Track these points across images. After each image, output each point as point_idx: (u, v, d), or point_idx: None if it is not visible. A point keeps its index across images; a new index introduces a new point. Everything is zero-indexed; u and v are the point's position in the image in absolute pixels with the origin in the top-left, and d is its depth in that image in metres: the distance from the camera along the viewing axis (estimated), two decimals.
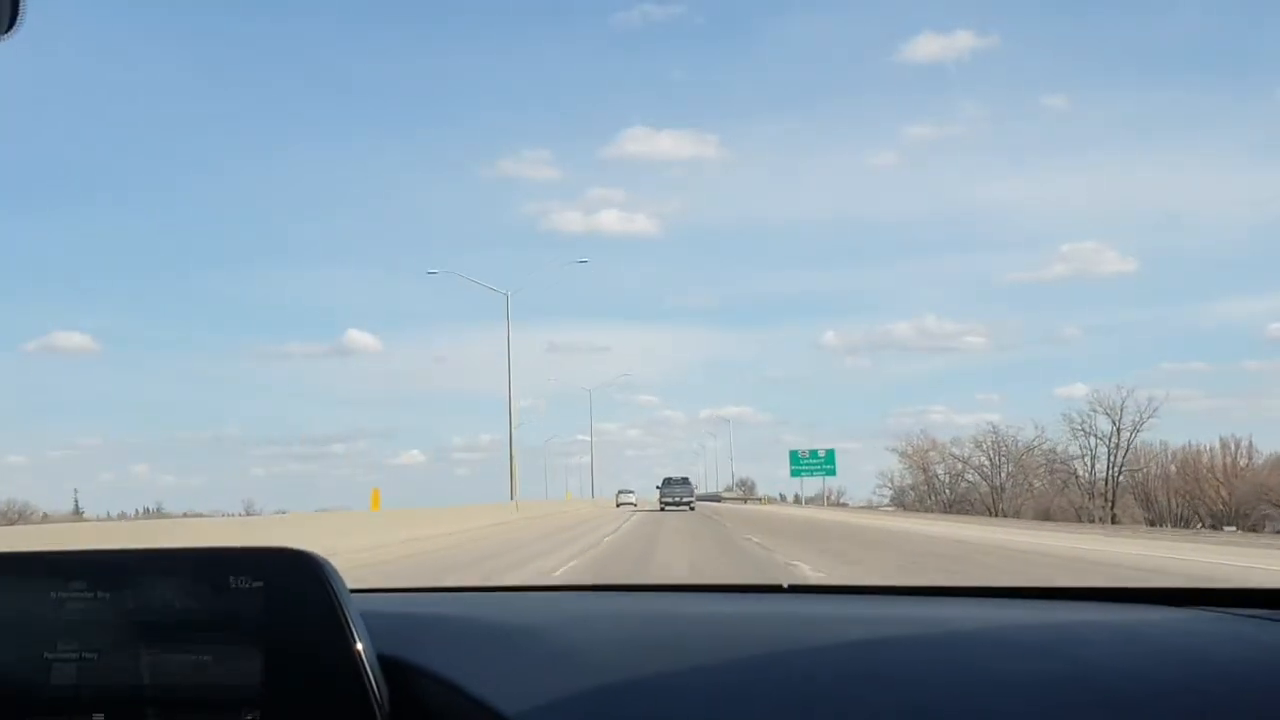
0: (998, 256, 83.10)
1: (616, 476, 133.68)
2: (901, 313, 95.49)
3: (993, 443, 59.75)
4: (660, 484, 48.68)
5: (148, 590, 0.82)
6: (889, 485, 69.05)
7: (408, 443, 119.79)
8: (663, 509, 44.77)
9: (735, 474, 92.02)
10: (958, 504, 58.59)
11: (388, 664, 0.79)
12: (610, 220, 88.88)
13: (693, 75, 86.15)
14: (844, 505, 64.88)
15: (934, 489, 63.47)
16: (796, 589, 1.18)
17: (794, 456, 61.92)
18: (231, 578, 0.80)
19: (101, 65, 76.52)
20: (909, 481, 65.83)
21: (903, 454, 66.06)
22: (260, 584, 0.80)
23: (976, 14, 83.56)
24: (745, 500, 76.22)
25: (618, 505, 57.73)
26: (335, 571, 0.80)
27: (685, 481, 48.42)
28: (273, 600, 0.79)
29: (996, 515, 48.98)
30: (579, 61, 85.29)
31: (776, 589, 1.18)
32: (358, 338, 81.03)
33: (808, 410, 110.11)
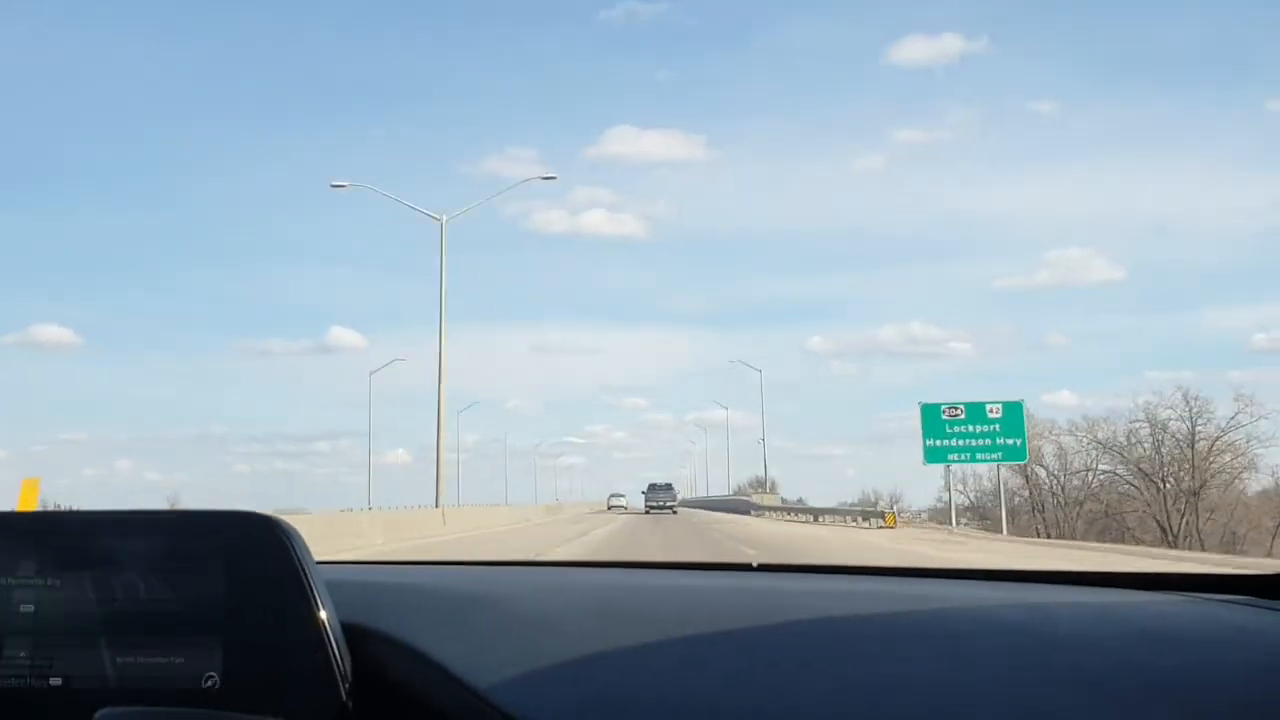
0: (985, 262, 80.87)
1: (605, 479, 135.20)
2: (888, 318, 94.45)
3: (1162, 426, 38.87)
4: (645, 489, 54.21)
5: (108, 551, 0.81)
6: (960, 489, 46.88)
7: (393, 442, 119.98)
8: (647, 512, 49.68)
9: (732, 477, 75.28)
10: (1102, 522, 37.73)
11: (351, 631, 0.79)
12: (596, 221, 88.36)
13: (679, 75, 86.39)
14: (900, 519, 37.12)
15: (1053, 497, 42.43)
16: (766, 567, 1.19)
17: (932, 418, 26.97)
18: (194, 541, 0.80)
19: (86, 56, 75.95)
20: (984, 487, 46.03)
21: None
22: (222, 547, 0.79)
23: (965, 17, 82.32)
24: (755, 507, 49.99)
25: (609, 508, 62.19)
26: (299, 536, 0.79)
27: (669, 487, 53.98)
28: (235, 564, 0.79)
29: (1178, 543, 34.79)
30: (564, 59, 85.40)
31: (745, 567, 1.20)
32: (341, 335, 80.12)
33: (794, 415, 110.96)
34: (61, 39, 75.01)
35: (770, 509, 47.65)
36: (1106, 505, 39.66)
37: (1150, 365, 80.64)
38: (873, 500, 54.89)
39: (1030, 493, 43.70)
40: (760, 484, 56.20)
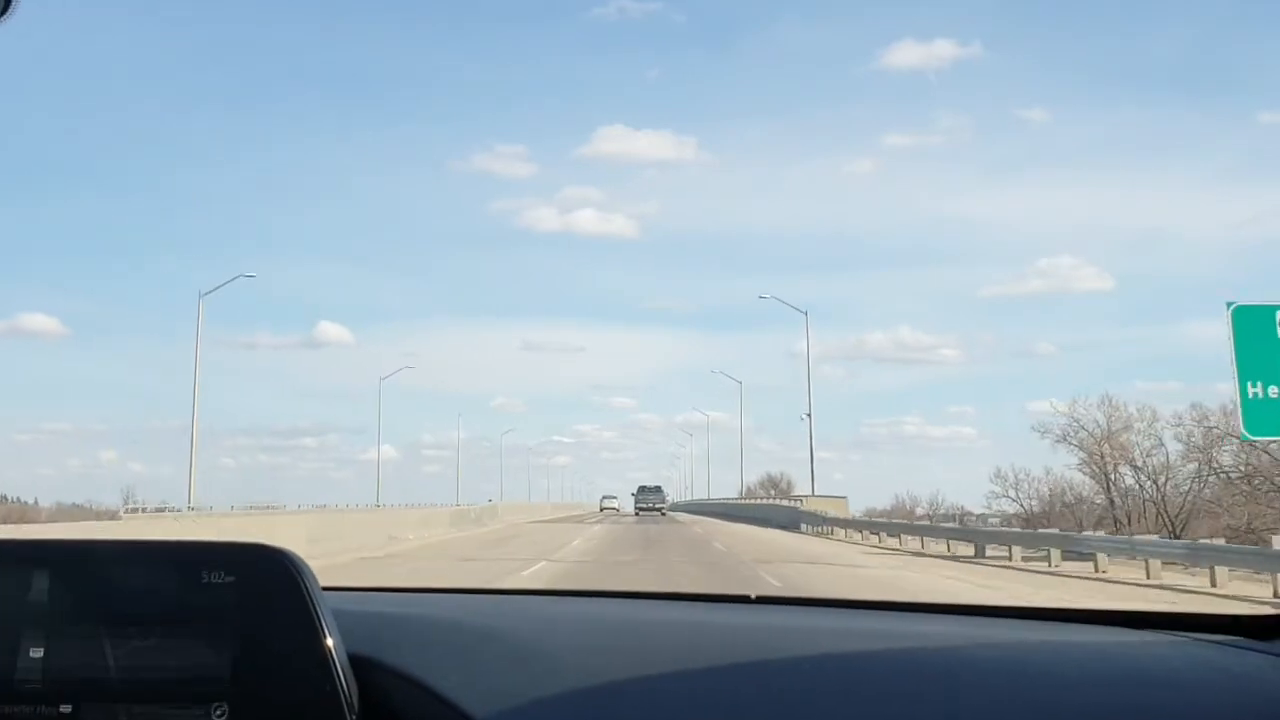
0: (974, 269, 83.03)
1: (593, 480, 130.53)
2: (877, 323, 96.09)
3: None
4: (635, 491, 57.56)
5: (119, 582, 0.83)
6: (1009, 493, 38.30)
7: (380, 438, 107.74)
8: (637, 513, 51.81)
9: (714, 479, 71.51)
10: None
11: (358, 662, 0.81)
12: (586, 220, 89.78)
13: (671, 75, 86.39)
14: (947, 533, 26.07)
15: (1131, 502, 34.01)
16: (764, 600, 1.20)
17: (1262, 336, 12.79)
18: (204, 572, 0.81)
19: (72, 39, 73.69)
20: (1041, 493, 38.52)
21: (1067, 438, 36.33)
22: (232, 579, 0.81)
23: (958, 23, 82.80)
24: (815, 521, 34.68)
25: (601, 510, 60.98)
26: (308, 569, 0.82)
27: (658, 489, 57.06)
28: (244, 596, 0.81)
29: None
30: (555, 57, 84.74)
31: (744, 599, 1.20)
32: (329, 330, 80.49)
33: (782, 418, 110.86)
34: (48, 21, 73.61)
35: (852, 525, 29.26)
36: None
37: (1137, 376, 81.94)
38: (908, 507, 46.46)
39: (1117, 499, 35.05)
40: (775, 485, 48.42)
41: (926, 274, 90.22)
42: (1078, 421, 38.06)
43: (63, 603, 0.82)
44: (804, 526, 33.03)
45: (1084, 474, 37.79)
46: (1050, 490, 40.10)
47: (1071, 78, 76.23)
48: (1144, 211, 74.24)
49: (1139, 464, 35.47)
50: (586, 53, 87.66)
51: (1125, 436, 36.11)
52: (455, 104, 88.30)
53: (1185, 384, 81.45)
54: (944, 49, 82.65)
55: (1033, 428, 40.16)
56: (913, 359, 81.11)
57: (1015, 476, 43.03)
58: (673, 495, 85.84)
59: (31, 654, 0.81)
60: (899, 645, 0.87)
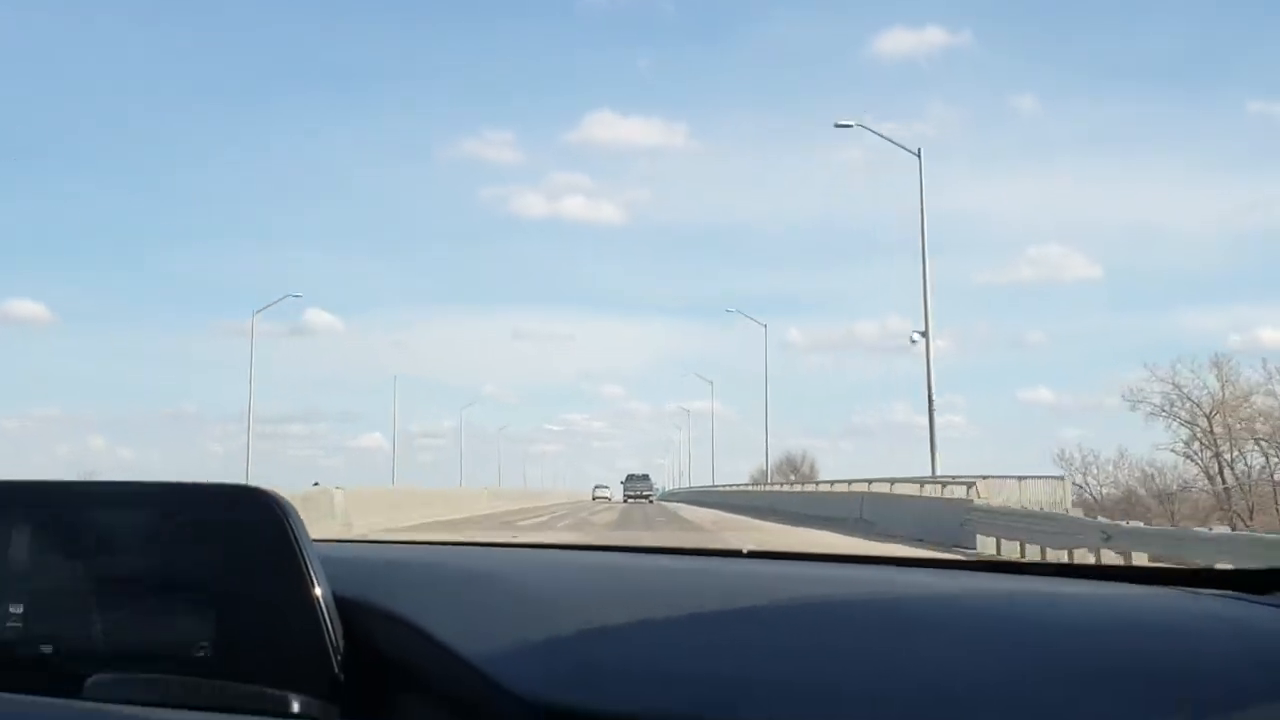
0: (964, 258, 79.36)
1: (582, 468, 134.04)
2: (866, 312, 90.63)
3: None
4: (624, 480, 59.76)
5: (102, 521, 0.83)
6: (1081, 479, 31.40)
7: (369, 425, 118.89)
8: (625, 500, 53.80)
9: (770, 457, 67.21)
10: None
11: (345, 605, 0.80)
12: (575, 207, 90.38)
13: (661, 62, 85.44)
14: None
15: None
16: (756, 554, 1.20)
17: None
18: (188, 512, 0.81)
19: (63, 32, 73.51)
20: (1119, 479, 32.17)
21: (1166, 408, 28.79)
22: (217, 519, 0.81)
23: (948, 11, 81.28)
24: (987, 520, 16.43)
25: (594, 498, 62.53)
26: (293, 509, 0.80)
27: (646, 477, 59.65)
28: (229, 536, 0.80)
29: None
30: (545, 42, 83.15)
31: (736, 554, 1.21)
32: (317, 318, 78.33)
33: (772, 407, 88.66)
34: (36, 11, 75.18)
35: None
36: None
37: (1126, 365, 78.89)
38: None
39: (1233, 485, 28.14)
40: (794, 468, 40.21)
41: (916, 263, 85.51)
42: (1180, 389, 31.28)
43: (44, 541, 0.81)
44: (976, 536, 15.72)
45: (1183, 454, 31.00)
46: (1128, 475, 33.33)
47: (1063, 68, 75.19)
48: (1133, 200, 73.25)
49: (1266, 439, 28.70)
50: (576, 39, 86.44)
51: (1245, 408, 29.35)
52: (443, 91, 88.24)
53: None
54: (935, 36, 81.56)
55: (1123, 397, 33.80)
56: (903, 348, 76.20)
57: (1083, 459, 36.25)
58: (667, 484, 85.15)
59: (12, 591, 0.80)
60: (898, 594, 0.87)
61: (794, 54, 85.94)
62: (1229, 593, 0.90)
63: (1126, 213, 74.30)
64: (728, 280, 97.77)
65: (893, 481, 23.07)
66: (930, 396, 22.95)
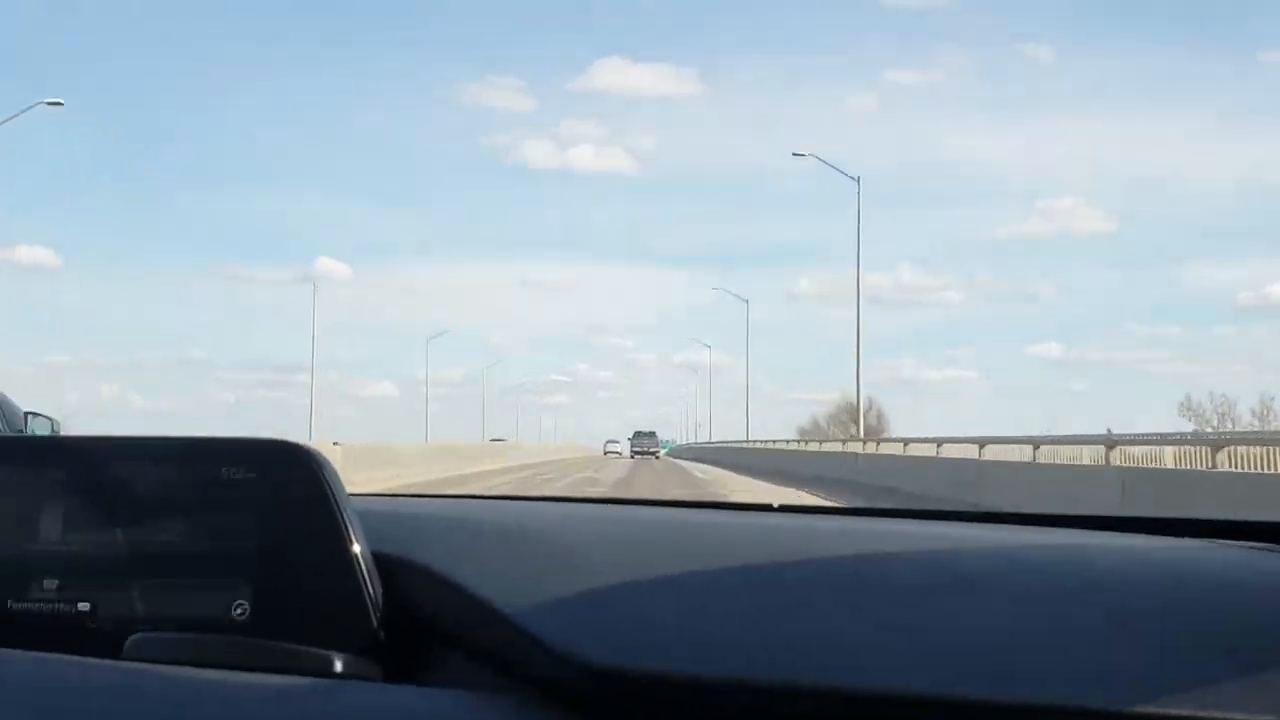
0: (976, 209, 76.08)
1: (587, 421, 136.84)
2: (878, 264, 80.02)
3: None
4: (631, 436, 63.65)
5: (137, 478, 0.82)
6: (1207, 430, 27.52)
7: (378, 374, 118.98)
8: (633, 456, 56.30)
9: (716, 419, 70.59)
10: None
11: (382, 561, 0.79)
12: (584, 155, 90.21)
13: (671, 7, 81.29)
14: None
15: None
16: (787, 509, 1.19)
17: None
18: (224, 468, 0.80)
19: None
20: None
21: None
22: (254, 475, 0.80)
23: None
24: None
25: (605, 454, 64.97)
26: (330, 465, 0.80)
27: (652, 434, 62.44)
28: (265, 490, 0.79)
29: None
30: None
31: (767, 508, 1.20)
32: (327, 265, 78.39)
33: (781, 359, 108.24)
34: None
35: None
36: None
37: (1136, 319, 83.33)
38: None
39: None
40: (852, 418, 31.39)
41: (927, 213, 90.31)
42: None
43: (79, 499, 0.80)
44: None
45: None
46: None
47: (1079, 17, 76.26)
48: (1146, 153, 75.49)
49: None
50: None
51: None
52: (450, 35, 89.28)
53: (1185, 328, 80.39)
54: None
55: None
56: (912, 300, 79.90)
57: (1215, 407, 31.77)
58: (679, 437, 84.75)
59: (49, 551, 0.78)
60: (929, 547, 0.86)
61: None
62: (1256, 544, 0.88)
63: (1140, 164, 76.66)
64: (739, 227, 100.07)
65: (1035, 443, 15.75)
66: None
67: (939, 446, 20.49)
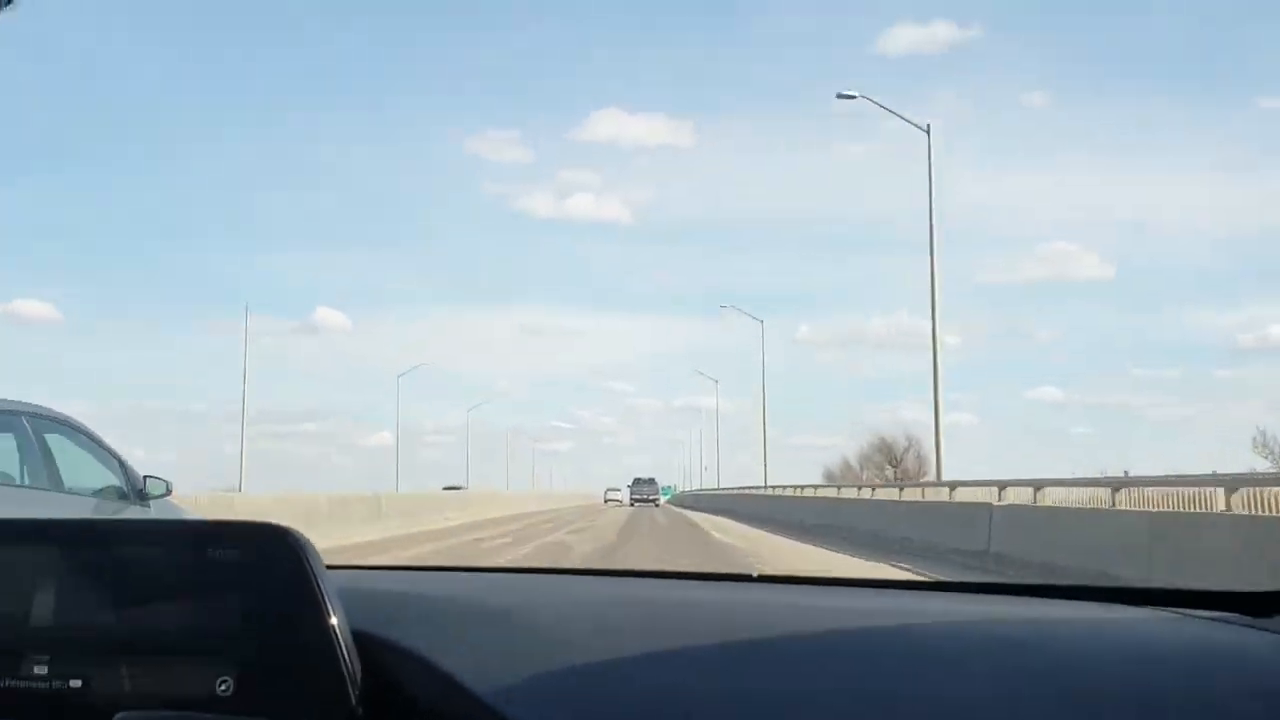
0: (972, 255, 76.42)
1: (590, 468, 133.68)
2: (877, 309, 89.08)
3: None
4: (630, 483, 62.06)
5: (128, 559, 0.85)
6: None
7: (380, 423, 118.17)
8: (632, 504, 54.31)
9: (722, 464, 72.24)
10: None
11: (362, 639, 0.82)
12: (582, 204, 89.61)
13: (666, 58, 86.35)
14: None
15: None
16: (766, 579, 1.21)
17: None
18: (210, 549, 0.83)
19: (67, 32, 65.17)
20: None
21: None
22: (237, 555, 0.83)
23: (957, 5, 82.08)
24: None
25: (605, 501, 63.34)
26: (312, 546, 0.83)
27: (652, 481, 61.09)
28: (249, 572, 0.82)
29: None
30: (548, 38, 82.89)
31: (746, 578, 1.22)
32: (327, 315, 79.52)
33: (783, 404, 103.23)
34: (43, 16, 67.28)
35: None
36: None
37: (1135, 363, 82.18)
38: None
39: None
40: (892, 458, 24.74)
41: (925, 259, 78.86)
42: None
43: (70, 580, 0.83)
44: None
45: None
46: None
47: (1074, 65, 74.43)
48: (1142, 198, 74.35)
49: None
50: (580, 35, 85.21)
51: None
52: (446, 88, 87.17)
53: (1183, 369, 78.80)
54: (943, 31, 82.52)
55: None
56: (912, 345, 76.46)
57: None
58: (680, 483, 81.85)
59: (41, 629, 0.82)
60: (900, 622, 0.87)
61: (801, 47, 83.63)
62: (1227, 614, 0.88)
63: (1136, 209, 74.60)
64: (736, 277, 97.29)
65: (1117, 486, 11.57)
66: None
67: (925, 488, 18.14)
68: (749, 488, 40.03)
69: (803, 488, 30.60)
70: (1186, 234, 72.28)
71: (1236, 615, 0.88)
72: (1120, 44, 72.69)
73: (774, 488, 34.50)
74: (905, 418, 74.29)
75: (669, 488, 73.52)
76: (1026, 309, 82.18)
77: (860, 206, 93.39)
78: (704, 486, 64.77)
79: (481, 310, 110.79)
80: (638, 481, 61.46)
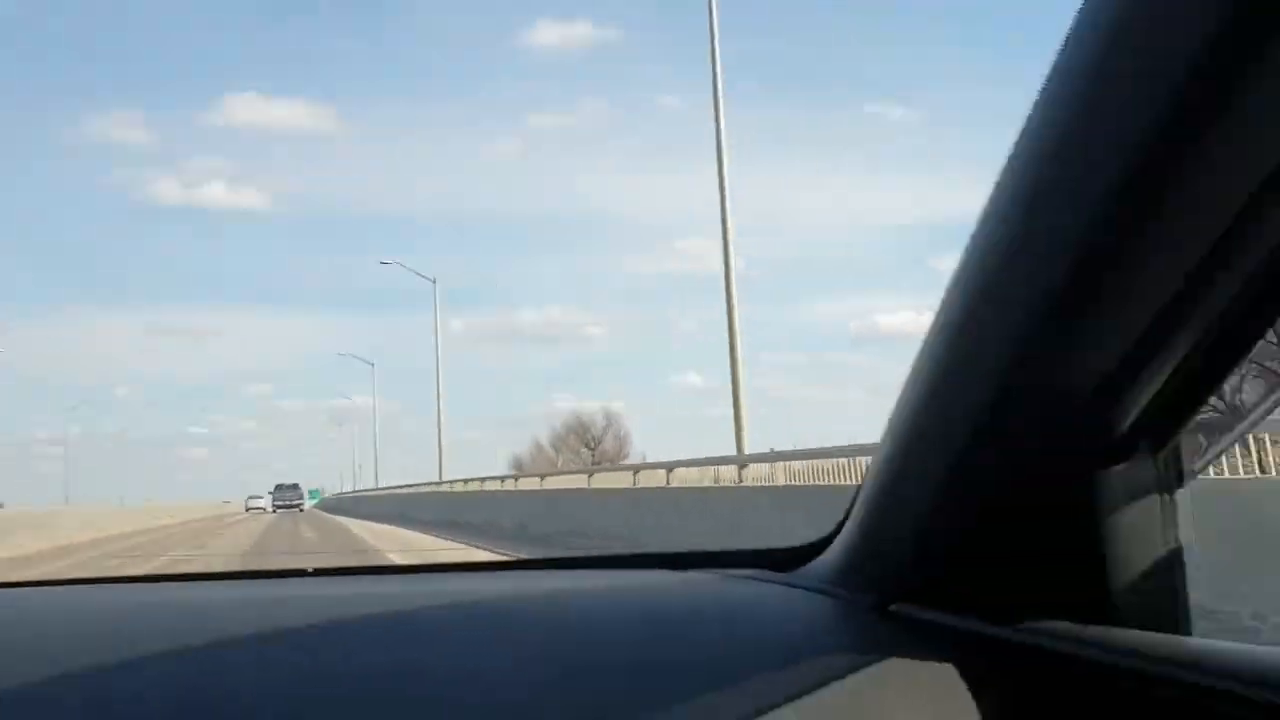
0: (618, 252, 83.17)
1: (236, 475, 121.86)
2: (528, 301, 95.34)
3: None
4: (273, 490, 61.31)
5: None
6: None
7: None
8: (274, 510, 54.34)
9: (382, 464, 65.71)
10: None
11: None
12: (215, 194, 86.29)
13: (309, 44, 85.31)
14: None
15: None
16: (323, 572, 1.15)
17: None
18: None
19: None
20: None
21: None
22: None
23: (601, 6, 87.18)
24: None
25: (247, 510, 59.79)
26: None
27: (295, 487, 61.13)
28: None
29: None
30: (179, 18, 77.56)
31: (301, 573, 1.14)
32: None
33: (454, 400, 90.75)
34: None
35: None
36: None
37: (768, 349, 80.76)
38: None
39: None
40: (591, 437, 23.68)
41: (574, 257, 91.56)
42: None
43: None
44: None
45: None
46: None
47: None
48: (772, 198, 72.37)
49: None
50: (211, 16, 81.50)
51: None
52: (66, 67, 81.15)
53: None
54: (583, 30, 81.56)
55: None
56: (563, 336, 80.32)
57: None
58: (337, 485, 78.73)
59: None
60: (426, 604, 0.85)
61: (448, 44, 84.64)
62: (757, 572, 0.92)
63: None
64: (382, 272, 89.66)
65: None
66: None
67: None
68: (422, 485, 36.34)
69: (477, 480, 27.86)
70: (825, 229, 77.83)
71: (764, 572, 0.93)
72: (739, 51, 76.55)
73: (450, 483, 31.38)
74: (590, 408, 74.77)
75: (316, 491, 69.97)
76: (668, 300, 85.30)
77: (506, 201, 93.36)
78: (358, 489, 60.60)
79: (105, 308, 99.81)
80: (280, 488, 61.27)
